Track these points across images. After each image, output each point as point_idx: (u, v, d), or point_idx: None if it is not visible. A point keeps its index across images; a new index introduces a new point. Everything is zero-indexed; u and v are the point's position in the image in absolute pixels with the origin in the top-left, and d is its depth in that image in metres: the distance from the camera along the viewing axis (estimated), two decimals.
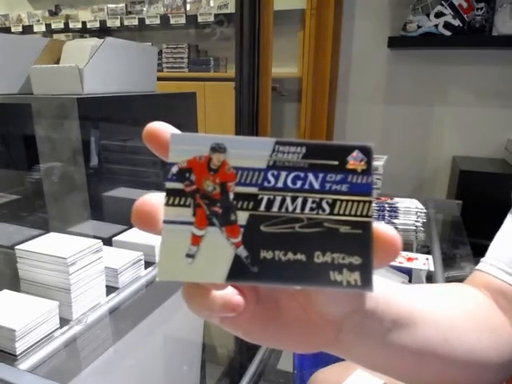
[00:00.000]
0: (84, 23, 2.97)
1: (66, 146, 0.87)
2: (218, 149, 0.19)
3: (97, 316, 0.72)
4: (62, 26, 3.04)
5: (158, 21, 2.70)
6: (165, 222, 0.19)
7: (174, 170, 0.20)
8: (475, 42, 1.88)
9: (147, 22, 2.73)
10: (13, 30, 3.26)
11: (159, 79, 1.28)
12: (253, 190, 0.19)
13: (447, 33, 1.87)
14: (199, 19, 2.56)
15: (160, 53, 2.70)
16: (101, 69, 0.97)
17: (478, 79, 1.99)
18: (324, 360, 0.80)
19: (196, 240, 0.19)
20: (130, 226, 0.99)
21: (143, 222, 0.20)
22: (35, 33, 3.15)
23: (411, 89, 2.12)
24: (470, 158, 2.03)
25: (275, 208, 0.19)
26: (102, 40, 0.98)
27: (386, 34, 2.06)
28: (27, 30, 3.20)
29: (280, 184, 0.20)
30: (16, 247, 0.70)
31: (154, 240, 0.92)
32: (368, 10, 2.10)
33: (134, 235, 0.94)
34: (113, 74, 1.03)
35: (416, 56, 2.06)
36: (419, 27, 1.89)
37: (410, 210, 1.15)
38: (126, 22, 2.82)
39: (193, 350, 1.00)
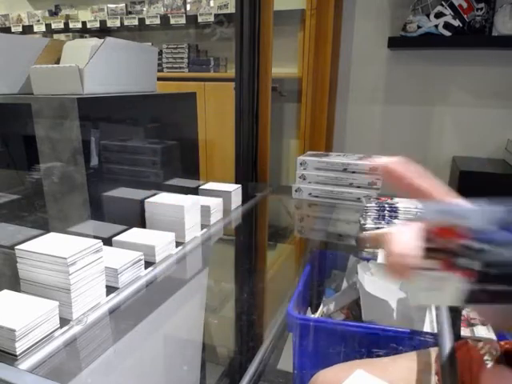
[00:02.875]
0: (84, 23, 2.98)
1: (66, 146, 0.87)
2: (459, 217, 0.27)
3: (97, 316, 0.71)
4: (62, 25, 3.04)
5: (158, 21, 2.70)
6: (419, 268, 0.28)
7: (426, 232, 0.28)
8: (475, 42, 1.88)
9: (147, 22, 2.73)
10: (13, 30, 3.26)
11: (159, 79, 1.28)
12: (484, 246, 0.26)
13: (447, 33, 1.87)
14: (199, 19, 2.57)
15: (160, 53, 2.70)
16: (101, 69, 0.97)
17: (478, 79, 1.99)
18: (324, 360, 0.80)
19: (440, 280, 0.27)
20: (130, 226, 0.99)
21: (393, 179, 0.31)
22: (35, 33, 3.15)
23: (411, 89, 2.12)
24: (469, 159, 2.03)
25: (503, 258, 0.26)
26: (102, 40, 0.98)
27: (385, 34, 2.06)
28: (27, 29, 3.20)
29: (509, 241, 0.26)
30: (16, 247, 0.70)
31: (154, 240, 0.92)
32: (368, 10, 2.10)
33: (134, 235, 0.94)
34: (113, 74, 1.02)
35: (416, 56, 2.06)
36: (419, 27, 1.89)
37: (410, 210, 1.15)
38: (126, 22, 2.82)
39: (193, 350, 1.00)
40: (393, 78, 2.14)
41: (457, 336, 0.70)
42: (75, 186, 0.88)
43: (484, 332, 0.80)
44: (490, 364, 0.57)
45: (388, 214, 1.15)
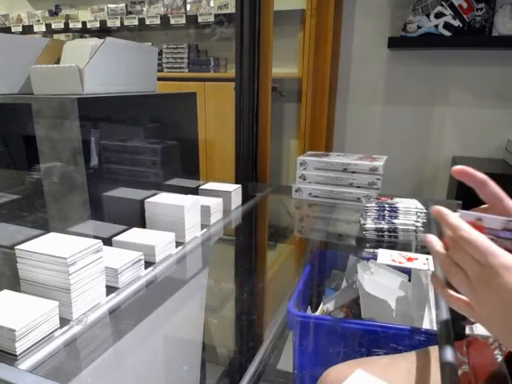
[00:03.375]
0: (84, 23, 2.98)
1: (66, 146, 0.87)
2: (478, 220, 0.46)
3: (97, 316, 0.72)
4: (62, 25, 3.04)
5: (158, 21, 2.70)
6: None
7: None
8: (475, 42, 1.88)
9: (147, 22, 2.73)
10: (13, 30, 3.26)
11: (159, 79, 1.28)
12: (492, 238, 0.44)
13: (447, 33, 1.87)
14: (199, 19, 2.57)
15: (160, 53, 2.70)
16: (101, 69, 0.97)
17: (478, 79, 1.99)
18: (324, 360, 0.80)
19: None
20: (130, 226, 0.99)
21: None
22: (35, 33, 3.15)
23: (411, 89, 2.12)
24: (469, 159, 2.03)
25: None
26: (102, 40, 0.98)
27: (385, 34, 2.06)
28: (27, 29, 3.20)
29: (507, 236, 0.44)
30: (16, 247, 0.70)
31: (154, 240, 0.92)
32: (368, 10, 2.10)
33: (134, 235, 0.94)
34: (113, 73, 1.03)
35: (416, 56, 2.07)
36: (419, 28, 1.89)
37: (410, 210, 1.15)
38: (126, 22, 2.82)
39: (193, 349, 1.00)
40: (393, 78, 2.14)
41: (458, 335, 0.70)
42: (75, 185, 0.88)
43: (482, 330, 0.81)
44: (500, 359, 0.58)
45: (388, 213, 1.15)
